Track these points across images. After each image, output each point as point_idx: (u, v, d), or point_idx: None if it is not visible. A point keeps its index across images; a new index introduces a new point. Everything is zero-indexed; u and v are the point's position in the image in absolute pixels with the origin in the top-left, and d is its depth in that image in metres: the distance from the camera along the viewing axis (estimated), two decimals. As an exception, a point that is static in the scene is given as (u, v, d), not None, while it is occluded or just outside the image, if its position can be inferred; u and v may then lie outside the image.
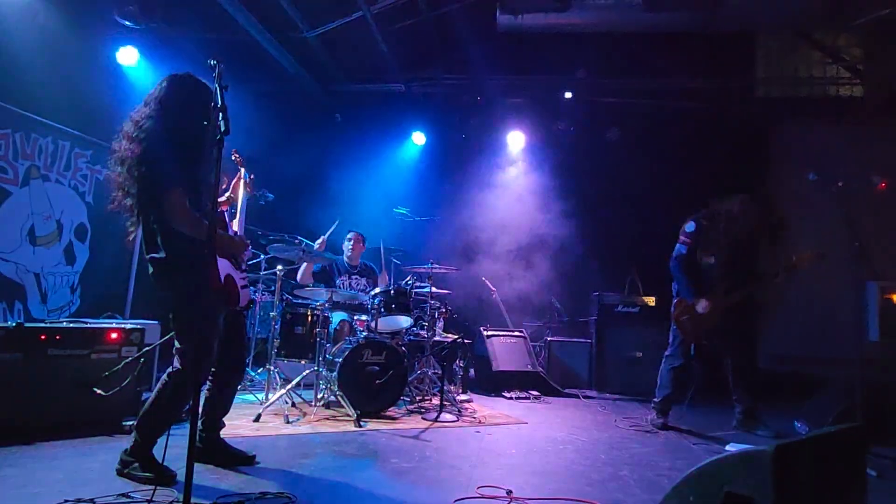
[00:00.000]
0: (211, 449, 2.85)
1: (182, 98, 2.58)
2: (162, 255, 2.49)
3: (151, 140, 2.44)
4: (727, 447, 3.75)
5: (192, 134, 2.47)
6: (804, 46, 7.13)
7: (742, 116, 7.16)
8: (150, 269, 2.55)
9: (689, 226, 4.31)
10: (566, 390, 5.85)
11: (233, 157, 3.10)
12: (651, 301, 6.33)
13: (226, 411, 2.97)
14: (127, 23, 4.89)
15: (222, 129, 1.85)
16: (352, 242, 5.47)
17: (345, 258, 5.46)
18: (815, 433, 2.44)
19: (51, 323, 3.57)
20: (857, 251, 3.32)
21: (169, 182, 2.38)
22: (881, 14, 5.07)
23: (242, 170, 3.10)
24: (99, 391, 3.29)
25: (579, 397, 5.67)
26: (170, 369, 2.60)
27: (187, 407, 2.63)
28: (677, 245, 4.33)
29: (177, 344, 2.58)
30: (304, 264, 4.92)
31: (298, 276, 5.01)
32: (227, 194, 3.14)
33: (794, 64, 7.22)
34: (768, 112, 7.20)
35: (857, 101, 6.93)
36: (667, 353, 4.46)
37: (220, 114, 1.87)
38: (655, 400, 4.44)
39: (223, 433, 2.96)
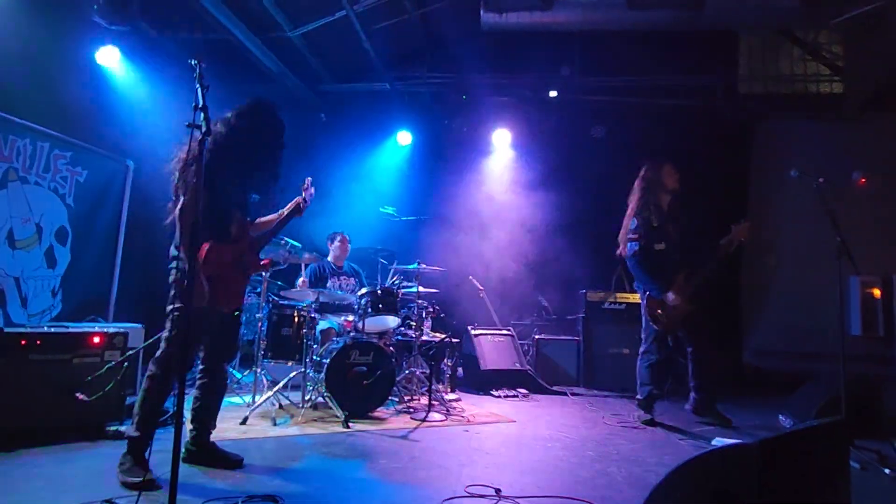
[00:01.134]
0: (201, 452, 2.84)
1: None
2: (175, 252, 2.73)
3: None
4: (713, 442, 3.78)
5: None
6: (785, 44, 7.23)
7: (725, 113, 7.23)
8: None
9: (632, 223, 4.41)
10: (554, 388, 5.87)
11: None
12: (637, 298, 6.35)
13: (214, 414, 2.96)
14: (105, 23, 4.79)
15: (203, 129, 1.83)
16: (338, 243, 5.45)
17: (330, 259, 5.45)
18: (799, 427, 2.47)
19: (31, 328, 3.51)
20: (838, 247, 3.36)
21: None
22: (860, 11, 5.14)
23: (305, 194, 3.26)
24: (82, 396, 3.24)
25: (567, 395, 5.69)
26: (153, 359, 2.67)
27: (171, 410, 2.66)
28: (629, 245, 4.39)
29: (165, 333, 2.68)
30: (301, 279, 4.90)
31: (298, 286, 4.95)
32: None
33: (776, 61, 7.32)
34: (751, 109, 7.27)
35: (837, 98, 7.04)
36: (641, 349, 4.52)
37: (202, 114, 1.85)
38: (638, 398, 4.47)
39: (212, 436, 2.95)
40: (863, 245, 4.42)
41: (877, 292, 5.84)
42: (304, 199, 3.24)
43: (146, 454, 2.53)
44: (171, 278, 2.69)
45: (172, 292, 2.66)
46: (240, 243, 2.85)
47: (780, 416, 4.52)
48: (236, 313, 2.92)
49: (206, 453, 2.86)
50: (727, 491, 1.71)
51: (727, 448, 1.79)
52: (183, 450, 2.81)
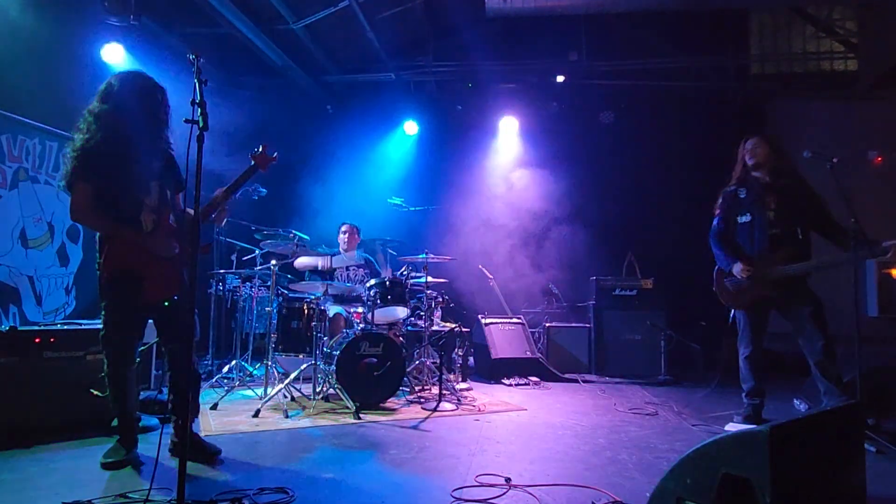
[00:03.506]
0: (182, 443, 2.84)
1: (123, 96, 2.69)
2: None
3: (82, 134, 2.63)
4: (726, 428, 3.75)
5: (124, 133, 2.61)
6: (797, 21, 7.06)
7: (737, 95, 7.11)
8: None
9: (719, 199, 4.01)
10: (566, 375, 5.86)
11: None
12: (648, 284, 6.32)
13: (187, 404, 2.85)
14: (111, 20, 4.80)
15: (200, 124, 1.82)
16: (346, 235, 5.47)
17: (340, 251, 5.46)
18: (812, 412, 2.44)
19: (45, 325, 3.56)
20: (854, 227, 3.29)
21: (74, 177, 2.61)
22: (874, -14, 5.01)
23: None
24: (95, 392, 3.28)
25: (579, 382, 5.68)
26: None
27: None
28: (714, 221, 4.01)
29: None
30: (299, 258, 4.92)
31: (297, 264, 5.00)
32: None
33: (788, 39, 7.16)
34: (763, 89, 7.14)
35: (851, 76, 6.88)
36: (737, 341, 3.94)
37: (199, 109, 1.84)
38: (742, 394, 3.91)
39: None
40: (880, 225, 4.33)
41: (895, 272, 5.73)
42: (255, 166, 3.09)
43: (133, 435, 2.75)
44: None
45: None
46: (156, 232, 2.72)
47: (795, 401, 4.46)
48: (167, 303, 2.76)
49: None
50: (738, 477, 1.69)
51: (738, 434, 1.76)
52: (170, 442, 2.89)
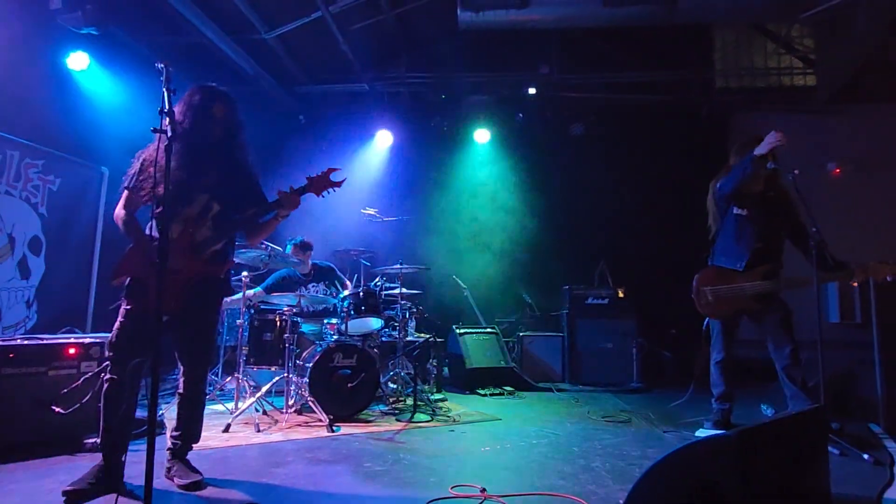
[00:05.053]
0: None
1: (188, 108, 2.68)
2: None
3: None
4: (696, 434, 3.81)
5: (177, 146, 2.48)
6: (758, 38, 7.32)
7: (702, 108, 7.31)
8: None
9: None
10: (540, 384, 5.89)
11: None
12: (620, 292, 6.42)
13: (187, 432, 2.78)
14: (74, 28, 4.69)
15: (168, 133, 1.79)
16: (297, 252, 5.14)
17: (295, 268, 5.19)
18: (778, 417, 2.50)
19: (4, 340, 3.43)
20: (814, 236, 3.40)
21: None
22: (829, 5, 5.21)
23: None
24: (58, 409, 3.17)
25: (553, 390, 5.71)
26: None
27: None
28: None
29: None
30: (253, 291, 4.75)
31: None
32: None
33: (750, 55, 7.40)
34: (727, 102, 7.36)
35: (810, 90, 7.14)
36: (710, 348, 3.99)
37: (168, 118, 1.81)
38: (712, 399, 3.98)
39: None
40: (839, 234, 4.49)
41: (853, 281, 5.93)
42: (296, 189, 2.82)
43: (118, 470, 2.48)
44: None
45: None
46: (178, 242, 2.62)
47: (763, 406, 4.57)
48: (165, 318, 2.54)
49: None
50: (709, 481, 1.72)
51: (707, 439, 1.80)
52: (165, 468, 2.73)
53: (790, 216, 3.77)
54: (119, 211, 2.67)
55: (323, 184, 2.85)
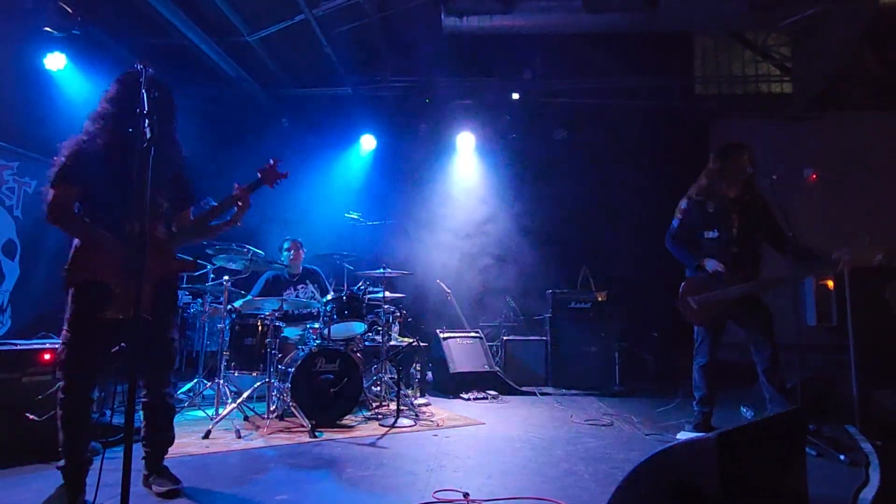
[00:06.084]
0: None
1: (114, 97, 2.48)
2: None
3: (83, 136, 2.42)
4: (678, 437, 3.85)
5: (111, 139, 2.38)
6: (737, 46, 7.45)
7: (683, 114, 7.42)
8: None
9: (682, 203, 3.98)
10: (523, 388, 5.90)
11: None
12: (602, 296, 6.46)
13: (158, 441, 2.68)
14: (50, 30, 4.61)
15: (147, 135, 1.77)
16: (291, 252, 5.19)
17: (285, 268, 5.24)
18: (758, 419, 2.54)
19: (-24, 346, 3.35)
20: (792, 240, 3.46)
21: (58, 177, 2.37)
22: (805, 15, 5.33)
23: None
24: (32, 416, 3.09)
25: (536, 394, 5.73)
26: None
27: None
28: (672, 222, 4.00)
29: None
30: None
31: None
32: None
33: (729, 62, 7.54)
34: (707, 109, 7.48)
35: (787, 98, 7.29)
36: (694, 351, 4.01)
37: (146, 120, 1.79)
38: (693, 402, 4.00)
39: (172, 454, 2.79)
40: (814, 239, 4.57)
41: (830, 284, 6.04)
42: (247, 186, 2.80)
43: (81, 480, 2.38)
44: None
45: None
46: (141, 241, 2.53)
47: (743, 408, 4.63)
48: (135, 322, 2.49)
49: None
50: (689, 483, 1.74)
51: (688, 442, 1.81)
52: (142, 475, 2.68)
53: (767, 220, 3.83)
54: (57, 206, 2.39)
55: (274, 174, 2.89)
